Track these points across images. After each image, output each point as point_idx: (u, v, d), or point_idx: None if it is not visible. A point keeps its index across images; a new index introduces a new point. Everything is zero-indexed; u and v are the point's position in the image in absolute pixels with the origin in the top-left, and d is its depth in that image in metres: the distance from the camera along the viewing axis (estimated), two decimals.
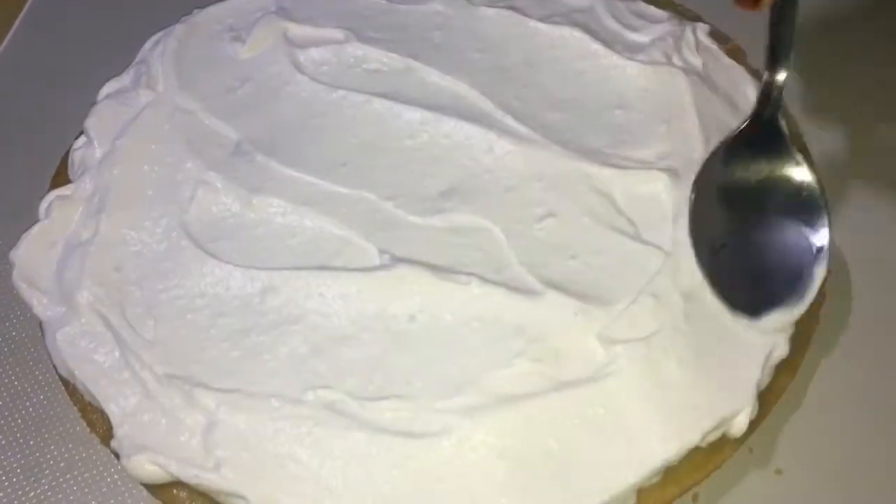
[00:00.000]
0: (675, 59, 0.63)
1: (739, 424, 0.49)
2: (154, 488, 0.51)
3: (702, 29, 0.65)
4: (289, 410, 0.50)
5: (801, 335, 0.53)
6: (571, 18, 0.65)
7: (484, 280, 0.52)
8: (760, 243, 0.51)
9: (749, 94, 0.62)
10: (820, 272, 0.50)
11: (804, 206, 0.51)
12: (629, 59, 0.62)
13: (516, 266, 0.54)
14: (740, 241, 0.51)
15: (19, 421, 0.58)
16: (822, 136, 0.65)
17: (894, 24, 0.74)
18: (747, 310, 0.50)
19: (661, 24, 0.65)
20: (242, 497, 0.48)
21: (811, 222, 0.51)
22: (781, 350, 0.51)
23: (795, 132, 0.60)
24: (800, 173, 0.52)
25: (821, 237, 0.50)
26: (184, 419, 0.50)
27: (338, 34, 0.65)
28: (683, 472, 0.49)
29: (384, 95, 0.62)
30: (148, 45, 0.67)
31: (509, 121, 0.60)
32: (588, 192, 0.56)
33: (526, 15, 0.65)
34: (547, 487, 0.47)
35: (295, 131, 0.61)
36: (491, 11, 0.66)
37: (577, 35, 0.64)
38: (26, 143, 0.72)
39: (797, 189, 0.51)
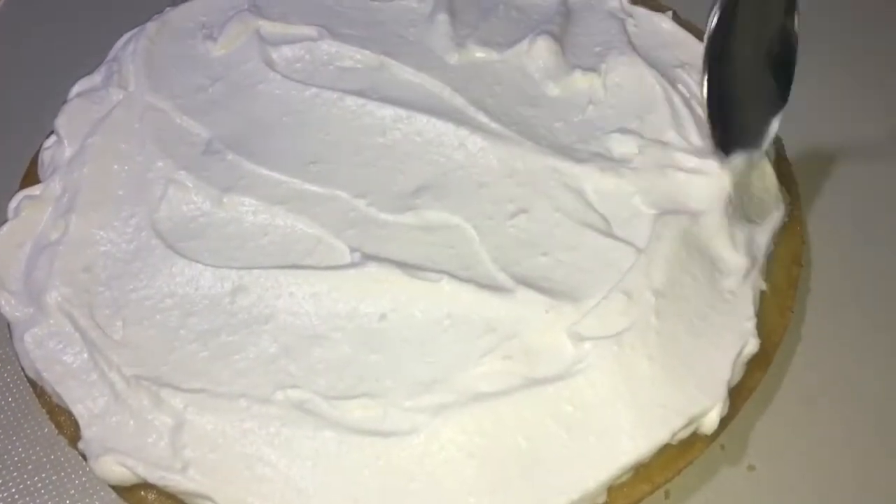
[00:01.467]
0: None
1: (710, 422, 0.49)
2: (122, 490, 0.50)
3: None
4: (257, 410, 0.49)
5: (774, 331, 0.53)
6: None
7: (454, 277, 0.52)
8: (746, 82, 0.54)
9: None
10: (775, 124, 0.55)
11: (783, 59, 0.55)
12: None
13: (488, 263, 0.53)
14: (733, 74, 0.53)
15: None
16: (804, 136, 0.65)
17: None
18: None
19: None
20: (209, 499, 0.48)
21: (783, 76, 0.55)
22: (752, 346, 0.51)
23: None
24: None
25: (785, 93, 0.55)
26: (151, 420, 0.50)
27: (311, 31, 0.65)
28: (655, 470, 0.49)
29: (357, 93, 0.61)
30: (119, 43, 0.67)
31: (482, 117, 0.60)
32: (560, 188, 0.56)
33: None
34: (516, 486, 0.47)
35: (267, 129, 0.61)
36: None
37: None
38: None
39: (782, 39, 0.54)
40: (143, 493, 0.50)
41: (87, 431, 0.50)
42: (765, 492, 0.53)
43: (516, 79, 0.62)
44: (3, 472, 0.55)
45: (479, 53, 0.63)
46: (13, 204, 0.58)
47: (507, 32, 0.65)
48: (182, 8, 0.68)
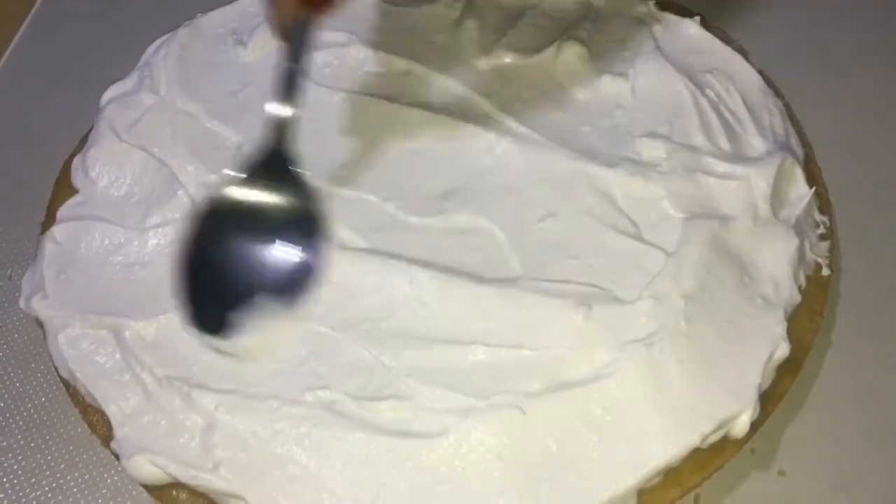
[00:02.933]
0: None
1: (741, 426, 0.49)
2: (154, 489, 0.51)
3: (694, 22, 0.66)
4: (287, 411, 0.50)
5: (804, 336, 0.53)
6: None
7: (483, 280, 0.52)
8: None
9: (752, 82, 0.63)
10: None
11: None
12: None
13: (516, 266, 0.54)
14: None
15: (20, 422, 0.58)
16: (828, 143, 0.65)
17: None
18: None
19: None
20: (241, 498, 0.48)
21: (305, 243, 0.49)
22: (783, 351, 0.51)
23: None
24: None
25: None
26: (183, 420, 0.50)
27: (340, 37, 0.65)
28: (685, 474, 0.49)
29: (385, 97, 0.62)
30: (151, 48, 0.67)
31: (509, 121, 0.60)
32: (589, 192, 0.56)
33: None
34: (545, 488, 0.47)
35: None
36: None
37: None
38: (29, 148, 0.72)
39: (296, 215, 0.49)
40: (174, 492, 0.50)
41: (119, 431, 0.51)
42: (795, 497, 0.53)
43: (544, 84, 0.62)
44: (37, 472, 0.55)
45: (507, 59, 0.64)
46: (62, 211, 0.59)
47: (535, 38, 0.65)
48: (213, 14, 0.69)
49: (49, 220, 0.61)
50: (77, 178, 0.62)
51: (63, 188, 0.62)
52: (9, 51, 0.80)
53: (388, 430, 0.48)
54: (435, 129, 0.60)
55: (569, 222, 0.55)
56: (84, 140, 0.64)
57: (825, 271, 0.56)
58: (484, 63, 0.63)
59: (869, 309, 0.59)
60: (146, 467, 0.49)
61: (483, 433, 0.48)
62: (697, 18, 0.67)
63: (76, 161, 0.63)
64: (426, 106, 0.61)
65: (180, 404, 0.50)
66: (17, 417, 0.58)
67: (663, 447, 0.47)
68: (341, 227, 0.56)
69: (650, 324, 0.50)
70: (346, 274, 0.54)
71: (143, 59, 0.67)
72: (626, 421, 0.48)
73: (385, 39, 0.65)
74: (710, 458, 0.49)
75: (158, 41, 0.68)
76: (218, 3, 0.70)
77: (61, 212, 0.60)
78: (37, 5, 0.82)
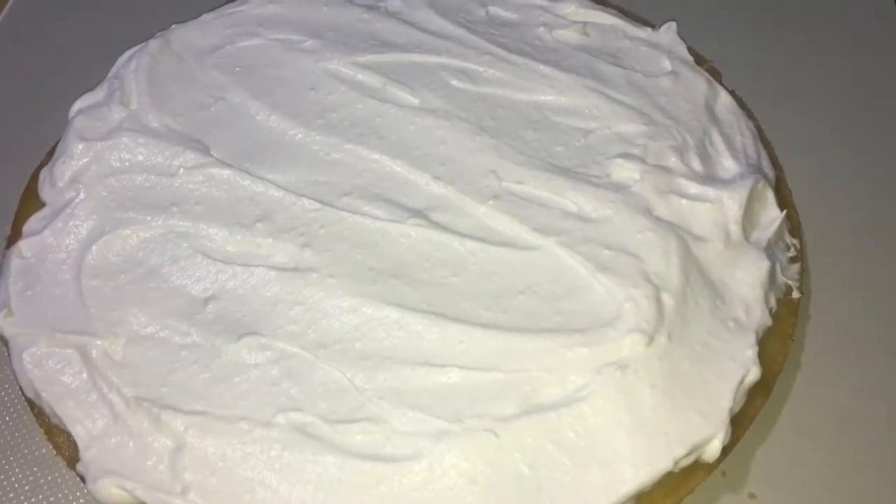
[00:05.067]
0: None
1: (713, 450, 0.49)
2: None
3: (669, 28, 0.67)
4: (259, 434, 0.49)
5: (774, 359, 0.54)
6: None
7: (449, 318, 0.52)
8: None
9: (725, 104, 0.63)
10: None
11: None
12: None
13: (489, 298, 0.53)
14: None
15: None
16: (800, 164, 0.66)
17: None
18: None
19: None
20: None
21: None
22: (754, 375, 0.51)
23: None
24: None
25: None
26: (151, 442, 0.50)
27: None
28: (656, 497, 0.49)
29: (358, 117, 0.62)
30: (122, 59, 0.66)
31: (486, 137, 0.60)
32: (560, 213, 0.56)
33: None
34: None
35: (265, 149, 0.61)
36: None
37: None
38: None
39: None
40: None
41: (86, 453, 0.50)
42: None
43: (520, 103, 0.62)
44: (0, 493, 0.54)
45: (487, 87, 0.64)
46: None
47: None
48: (186, 27, 0.68)
49: (15, 233, 0.59)
50: (44, 191, 0.61)
51: (30, 201, 0.61)
52: None
53: (360, 453, 0.48)
54: (408, 128, 0.61)
55: (543, 248, 0.55)
56: (51, 152, 0.63)
57: (795, 294, 0.57)
58: (460, 82, 0.63)
59: (838, 331, 0.59)
60: (113, 490, 0.49)
61: (456, 457, 0.48)
62: (673, 25, 0.67)
63: (43, 173, 0.62)
64: (396, 134, 0.61)
65: (149, 426, 0.50)
66: None
67: (635, 471, 0.48)
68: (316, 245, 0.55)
69: (624, 347, 0.50)
70: (319, 293, 0.53)
71: (114, 70, 0.66)
72: (599, 445, 0.48)
73: (362, 57, 0.65)
74: (682, 481, 0.50)
75: (129, 52, 0.67)
76: (189, 14, 0.69)
77: (28, 225, 0.59)
78: (3, 13, 0.80)
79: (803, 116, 0.70)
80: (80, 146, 0.60)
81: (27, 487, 0.54)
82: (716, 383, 0.50)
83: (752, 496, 0.54)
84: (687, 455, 0.49)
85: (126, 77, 0.64)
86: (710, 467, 0.50)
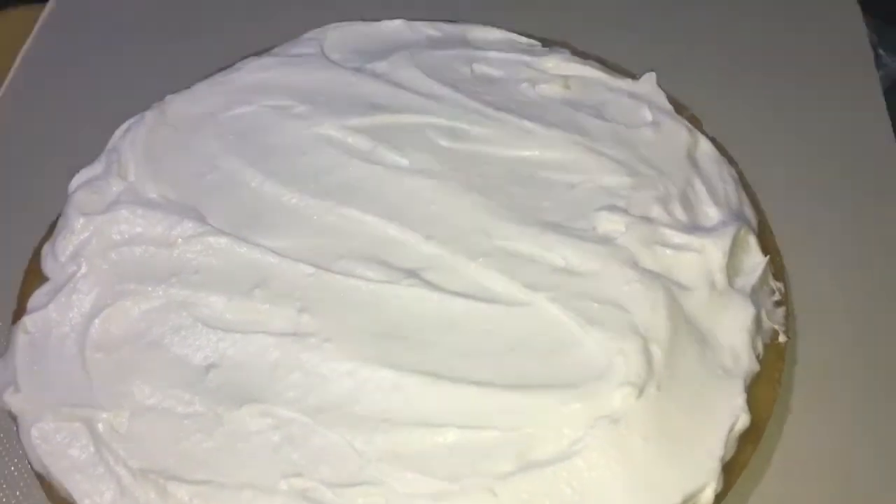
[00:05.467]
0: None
1: (706, 499, 0.50)
2: None
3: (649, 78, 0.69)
4: (263, 501, 0.50)
5: (763, 404, 0.55)
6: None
7: (448, 379, 0.53)
8: None
9: (706, 151, 0.65)
10: None
11: None
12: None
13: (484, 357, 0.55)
14: None
15: None
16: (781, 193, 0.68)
17: None
18: None
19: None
20: None
21: None
22: (744, 422, 0.52)
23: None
24: None
25: None
26: None
27: None
28: None
29: (346, 182, 0.63)
30: (118, 132, 0.68)
31: (475, 195, 0.62)
32: (547, 269, 0.58)
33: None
34: None
35: (261, 215, 0.62)
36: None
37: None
38: None
39: None
40: None
41: None
42: None
43: (507, 160, 0.64)
44: None
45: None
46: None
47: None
48: (180, 96, 0.70)
49: (20, 309, 0.61)
50: (47, 265, 0.62)
51: (33, 276, 0.63)
52: None
53: None
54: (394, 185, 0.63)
55: (533, 304, 0.56)
56: (53, 226, 0.65)
57: (781, 338, 0.58)
58: (449, 142, 0.65)
59: (825, 374, 0.61)
60: None
61: None
62: (653, 76, 0.69)
63: (46, 248, 0.63)
64: (387, 197, 0.62)
65: (155, 497, 0.51)
66: None
67: None
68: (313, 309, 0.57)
69: (615, 400, 0.51)
70: (317, 358, 0.55)
71: (111, 143, 0.68)
72: (594, 499, 0.49)
73: (352, 123, 0.67)
74: None
75: (125, 125, 0.68)
76: (183, 82, 0.71)
77: (32, 300, 0.60)
78: (2, 90, 0.83)
79: (784, 160, 0.71)
80: (81, 221, 0.62)
81: None
82: (707, 432, 0.52)
83: None
84: None
85: (123, 150, 0.66)
86: None
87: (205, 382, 0.55)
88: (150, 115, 0.68)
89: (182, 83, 0.72)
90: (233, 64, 0.74)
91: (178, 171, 0.65)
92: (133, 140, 0.66)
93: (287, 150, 0.66)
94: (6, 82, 0.83)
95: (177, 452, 0.53)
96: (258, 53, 0.75)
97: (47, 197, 0.66)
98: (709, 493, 0.50)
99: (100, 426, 0.54)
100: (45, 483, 0.55)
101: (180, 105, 0.69)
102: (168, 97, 0.70)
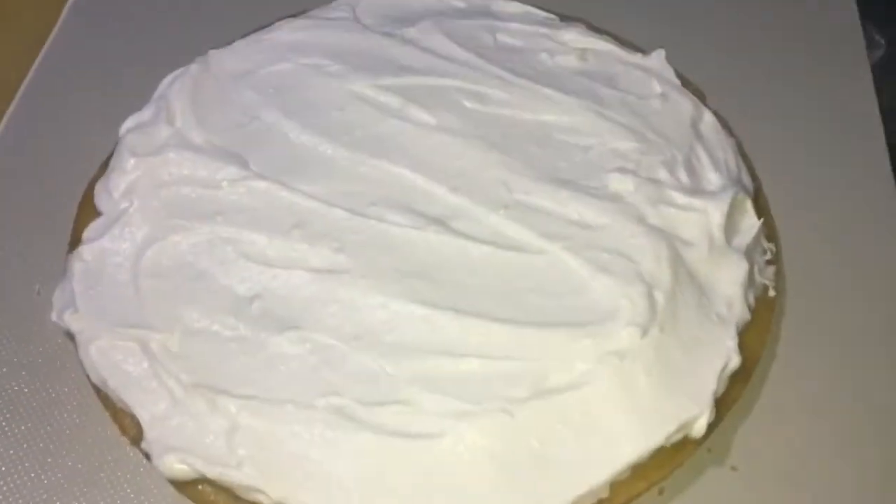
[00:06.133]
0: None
1: (699, 428, 0.55)
2: (181, 485, 0.56)
3: (659, 54, 0.74)
4: (302, 415, 0.55)
5: (753, 349, 0.60)
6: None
7: (474, 315, 0.58)
8: None
9: (709, 123, 0.71)
10: None
11: None
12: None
13: (503, 297, 0.60)
14: None
15: (55, 425, 0.63)
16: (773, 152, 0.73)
17: None
18: None
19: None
20: (262, 492, 0.54)
21: None
22: (735, 362, 0.58)
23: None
24: None
25: None
26: (208, 423, 0.55)
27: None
28: (650, 469, 0.55)
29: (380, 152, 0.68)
30: (166, 81, 0.73)
31: (497, 153, 0.67)
32: (562, 221, 0.63)
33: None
34: (531, 483, 0.53)
35: (298, 163, 0.67)
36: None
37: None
38: (53, 171, 0.78)
39: None
40: (200, 487, 0.56)
41: (150, 433, 0.56)
42: (746, 489, 0.60)
43: (526, 123, 0.69)
44: (72, 471, 0.60)
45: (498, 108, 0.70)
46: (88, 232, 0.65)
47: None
48: (223, 52, 0.74)
49: (75, 240, 0.65)
50: (101, 201, 0.67)
51: (87, 210, 0.67)
52: (27, 82, 0.85)
53: (392, 431, 0.54)
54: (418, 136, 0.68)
55: (549, 252, 0.61)
56: (105, 165, 0.70)
57: (771, 292, 0.63)
58: (471, 104, 0.70)
59: (809, 325, 0.66)
60: (176, 465, 0.54)
61: (476, 434, 0.53)
62: (662, 52, 0.75)
63: (99, 185, 0.68)
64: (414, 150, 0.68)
65: (205, 409, 0.56)
66: (52, 421, 0.63)
67: (633, 446, 0.54)
68: (348, 250, 0.62)
69: (622, 339, 0.56)
70: (352, 292, 0.60)
71: (159, 91, 0.72)
72: (601, 423, 0.54)
73: (383, 82, 0.72)
74: (672, 455, 0.56)
75: (172, 75, 0.73)
76: (222, 41, 0.76)
77: (87, 232, 0.65)
78: (53, 35, 0.87)
79: (779, 132, 0.77)
80: (132, 161, 0.67)
81: (96, 464, 0.61)
82: (702, 370, 0.57)
83: (733, 469, 0.61)
84: (677, 432, 0.55)
85: (170, 98, 0.71)
86: (697, 443, 0.56)
87: (249, 311, 0.60)
88: (194, 68, 0.73)
89: (222, 41, 0.76)
90: (270, 24, 0.79)
91: (221, 120, 0.70)
92: (180, 89, 0.71)
93: (322, 105, 0.71)
94: (56, 29, 0.88)
95: (223, 371, 0.57)
96: (294, 15, 0.80)
97: (97, 139, 0.71)
98: (702, 423, 0.55)
99: (152, 345, 0.58)
100: (101, 394, 0.59)
101: (223, 59, 0.74)
102: (211, 52, 0.74)
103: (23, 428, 0.63)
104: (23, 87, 0.84)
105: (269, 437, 0.55)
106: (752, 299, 0.62)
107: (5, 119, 0.82)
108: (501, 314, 0.59)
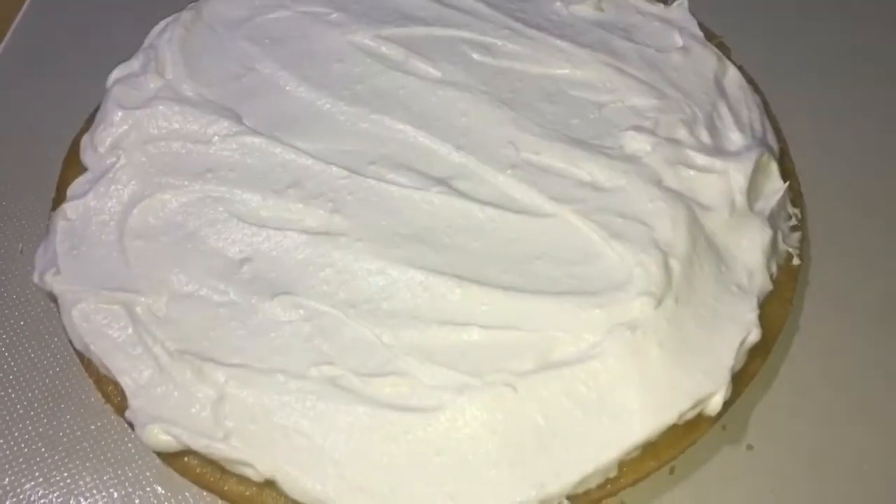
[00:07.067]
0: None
1: (715, 405, 0.53)
2: (167, 456, 0.54)
3: (681, 4, 0.71)
4: (294, 385, 0.53)
5: (774, 321, 0.57)
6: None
7: (465, 279, 0.55)
8: None
9: (733, 78, 0.66)
10: None
11: None
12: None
13: (509, 263, 0.57)
14: None
15: (36, 392, 0.61)
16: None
17: None
18: None
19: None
20: (250, 465, 0.51)
21: None
22: (755, 336, 0.55)
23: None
24: None
25: None
26: (195, 392, 0.53)
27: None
28: (662, 447, 0.53)
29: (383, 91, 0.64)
30: (156, 30, 0.69)
31: (505, 110, 0.63)
32: (575, 183, 0.59)
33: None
34: (535, 460, 0.51)
35: (295, 118, 0.64)
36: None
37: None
38: (36, 127, 0.75)
39: None
40: (186, 459, 0.54)
41: (133, 401, 0.54)
42: (761, 470, 0.57)
43: (537, 77, 0.65)
44: (53, 439, 0.58)
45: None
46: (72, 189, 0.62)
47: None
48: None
49: (60, 197, 0.63)
50: (86, 156, 0.64)
51: (72, 166, 0.64)
52: (10, 33, 0.81)
53: (388, 404, 0.52)
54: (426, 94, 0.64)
55: (558, 216, 0.58)
56: (91, 119, 0.66)
57: (795, 261, 0.60)
58: (481, 57, 0.66)
59: (835, 296, 0.63)
60: (160, 436, 0.52)
61: (477, 409, 0.51)
62: (685, 1, 0.70)
63: (85, 139, 0.65)
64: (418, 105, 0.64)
65: (192, 377, 0.53)
66: (33, 386, 0.61)
67: (643, 423, 0.51)
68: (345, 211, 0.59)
69: (634, 309, 0.53)
70: (348, 256, 0.57)
71: (148, 40, 0.69)
72: (610, 399, 0.52)
73: (387, 32, 0.68)
74: (685, 433, 0.53)
75: (163, 23, 0.69)
76: None
77: (71, 189, 0.62)
78: None
79: (807, 91, 0.73)
80: (120, 114, 0.64)
81: (78, 433, 0.59)
82: (719, 343, 0.54)
83: (749, 448, 0.58)
84: (691, 409, 0.52)
85: (161, 47, 0.67)
86: (712, 421, 0.54)
87: (239, 274, 0.57)
88: (186, 15, 0.69)
89: None
90: None
91: (214, 72, 0.66)
92: (170, 38, 0.67)
93: (322, 56, 0.67)
94: None
95: (212, 337, 0.55)
96: None
97: (83, 90, 0.67)
98: (718, 400, 0.53)
99: (138, 309, 0.56)
100: (84, 360, 0.57)
101: (216, 7, 0.70)
102: None
103: (2, 395, 0.61)
104: (7, 36, 0.81)
105: (258, 408, 0.52)
106: (774, 268, 0.59)
107: None
108: (506, 281, 0.56)
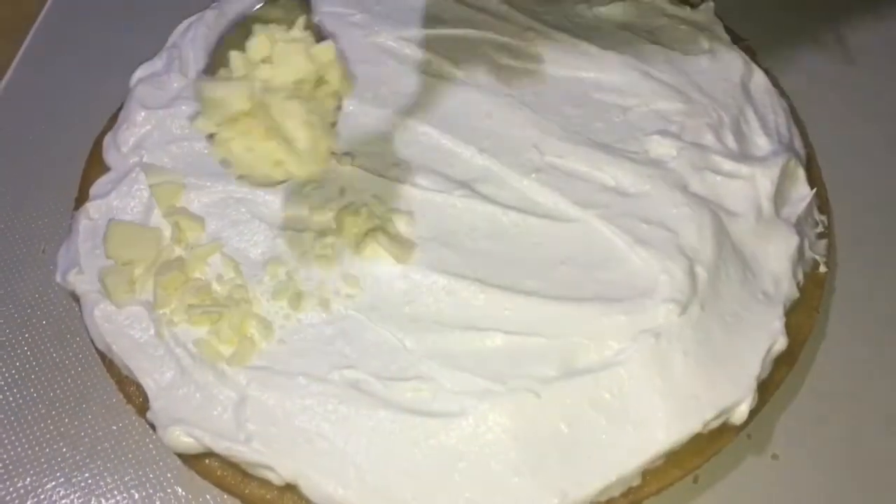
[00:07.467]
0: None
1: (740, 414, 0.52)
2: (187, 458, 0.54)
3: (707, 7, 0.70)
4: (316, 388, 0.52)
5: (800, 330, 0.56)
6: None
7: (493, 286, 0.55)
8: None
9: (760, 83, 0.66)
10: None
11: None
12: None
13: (532, 268, 0.56)
14: None
15: (57, 391, 0.61)
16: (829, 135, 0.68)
17: None
18: None
19: None
20: (271, 469, 0.51)
21: None
22: (781, 344, 0.54)
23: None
24: None
25: None
26: (216, 395, 0.53)
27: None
28: (686, 456, 0.52)
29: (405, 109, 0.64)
30: (179, 29, 0.69)
31: (529, 112, 0.63)
32: (600, 189, 0.59)
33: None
34: (557, 467, 0.50)
35: None
36: None
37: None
38: (59, 127, 0.74)
39: None
40: (207, 461, 0.53)
41: (155, 403, 0.53)
42: (787, 480, 0.57)
43: (562, 80, 0.65)
44: (75, 438, 0.58)
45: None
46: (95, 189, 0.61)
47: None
48: None
49: (82, 196, 0.63)
50: (109, 155, 0.64)
51: (95, 165, 0.64)
52: (33, 32, 0.81)
53: (410, 409, 0.51)
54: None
55: (582, 220, 0.58)
56: (114, 118, 0.66)
57: (822, 268, 0.59)
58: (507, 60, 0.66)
59: (861, 304, 0.62)
60: (182, 438, 0.52)
61: (500, 415, 0.51)
62: (711, 4, 0.70)
63: (108, 138, 0.65)
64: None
65: (213, 379, 0.53)
66: (55, 386, 0.61)
67: (667, 432, 0.51)
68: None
69: (659, 316, 0.53)
70: (371, 259, 0.57)
71: (171, 40, 0.69)
72: (634, 407, 0.51)
73: (415, 34, 0.67)
74: (710, 442, 0.53)
75: (186, 22, 0.69)
76: None
77: (94, 188, 0.62)
78: None
79: (834, 96, 0.72)
80: (143, 114, 0.63)
81: (100, 433, 0.58)
82: (745, 351, 0.53)
83: (774, 457, 0.57)
84: (716, 418, 0.52)
85: (184, 46, 0.67)
86: (737, 430, 0.53)
87: (261, 276, 0.57)
88: (209, 14, 0.69)
89: None
90: None
91: None
92: (194, 37, 0.67)
93: (345, 57, 0.66)
94: None
95: None
96: None
97: (107, 90, 0.67)
98: (743, 409, 0.52)
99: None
100: (106, 360, 0.57)
101: (239, 6, 0.70)
102: None
103: (24, 394, 0.61)
104: (31, 34, 0.80)
105: (280, 410, 0.52)
106: (801, 275, 0.58)
107: (12, 68, 0.79)
108: (529, 286, 0.55)
